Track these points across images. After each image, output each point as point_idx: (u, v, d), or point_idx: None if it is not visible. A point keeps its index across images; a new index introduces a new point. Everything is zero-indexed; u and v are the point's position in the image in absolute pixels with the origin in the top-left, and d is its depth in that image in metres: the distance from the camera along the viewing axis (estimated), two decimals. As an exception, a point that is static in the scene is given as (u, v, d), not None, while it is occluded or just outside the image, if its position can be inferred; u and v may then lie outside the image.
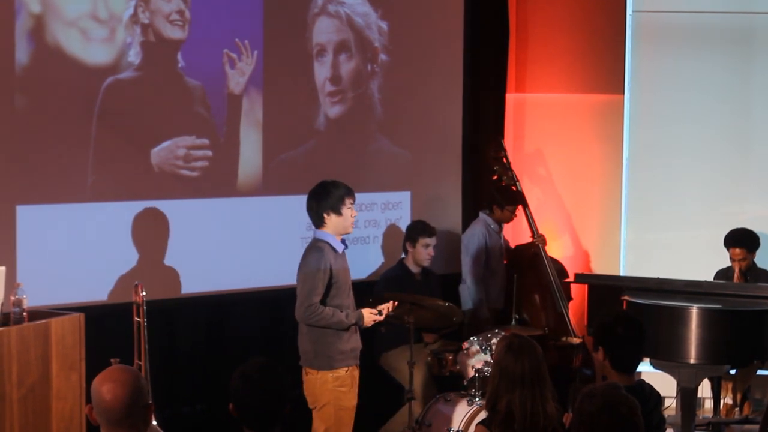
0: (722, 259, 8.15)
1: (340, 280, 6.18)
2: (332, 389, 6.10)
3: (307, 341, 6.18)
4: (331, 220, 6.17)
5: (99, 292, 6.66)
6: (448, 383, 7.37)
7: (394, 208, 8.22)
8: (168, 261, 6.97)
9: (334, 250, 6.17)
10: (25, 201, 6.38)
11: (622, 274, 8.87)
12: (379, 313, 6.31)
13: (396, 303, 6.44)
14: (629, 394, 3.89)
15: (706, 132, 8.94)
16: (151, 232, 6.91)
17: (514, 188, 8.47)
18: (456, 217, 8.64)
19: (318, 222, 6.21)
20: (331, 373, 6.11)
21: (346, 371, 6.17)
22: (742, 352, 6.99)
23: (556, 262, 8.62)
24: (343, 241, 6.26)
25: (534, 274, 8.50)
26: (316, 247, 6.17)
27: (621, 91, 8.99)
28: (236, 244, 7.30)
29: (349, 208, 6.21)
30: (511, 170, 8.51)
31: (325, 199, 6.17)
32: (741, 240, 8.07)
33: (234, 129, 7.29)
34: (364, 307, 6.35)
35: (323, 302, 6.13)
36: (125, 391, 3.56)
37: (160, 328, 6.78)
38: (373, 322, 6.32)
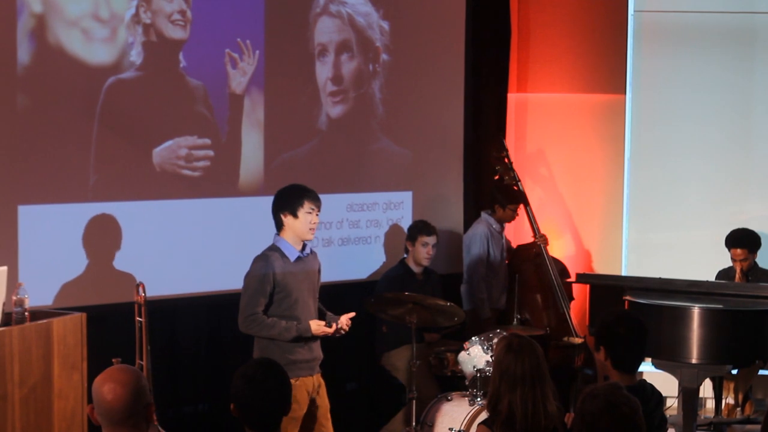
0: (724, 259, 8.16)
1: (289, 291, 6.02)
2: None
3: (256, 349, 6.07)
4: (287, 222, 6.02)
5: (101, 292, 6.66)
6: (450, 383, 7.37)
7: (396, 207, 8.21)
8: (169, 261, 6.97)
9: (285, 257, 6.03)
10: (27, 201, 6.38)
11: (623, 273, 8.87)
12: (329, 325, 6.08)
13: (353, 315, 6.21)
14: (631, 394, 3.89)
15: (707, 132, 8.95)
16: (152, 232, 6.91)
17: (515, 188, 8.47)
18: (458, 216, 8.64)
19: (277, 225, 6.08)
20: None
21: (296, 381, 5.85)
22: (743, 352, 6.99)
23: (557, 262, 8.63)
24: (304, 248, 6.10)
25: (536, 274, 8.50)
26: (263, 255, 6.04)
27: (623, 90, 9.00)
28: (238, 243, 7.29)
29: (309, 213, 6.01)
30: (513, 170, 8.52)
31: (283, 200, 6.04)
32: (742, 240, 8.08)
33: (235, 129, 7.29)
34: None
35: (271, 313, 6.00)
36: (126, 390, 3.57)
37: (162, 328, 6.79)
38: (323, 334, 6.08)
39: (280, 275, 5.99)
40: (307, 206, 6.02)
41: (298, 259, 6.07)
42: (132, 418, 3.58)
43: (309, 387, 6.07)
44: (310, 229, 6.06)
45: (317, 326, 6.04)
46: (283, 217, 6.04)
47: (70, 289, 6.50)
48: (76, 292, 6.50)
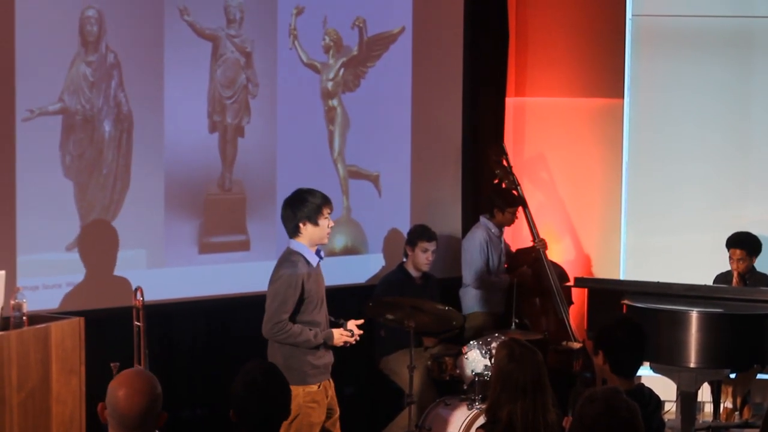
0: (722, 263, 8.15)
1: (312, 296, 5.97)
2: (302, 404, 5.86)
3: (278, 355, 5.94)
4: (307, 230, 5.94)
5: (99, 297, 6.65)
6: (448, 387, 7.36)
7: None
8: (167, 265, 6.96)
9: (308, 263, 5.97)
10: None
11: (622, 278, 8.86)
12: (352, 334, 6.08)
13: (362, 321, 6.22)
14: (629, 398, 3.89)
15: (705, 136, 8.94)
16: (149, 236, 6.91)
17: (515, 192, 8.47)
18: (456, 221, 8.64)
19: (293, 232, 5.98)
20: (302, 388, 5.85)
21: (318, 387, 5.95)
22: (742, 356, 6.98)
23: (556, 266, 8.62)
24: (318, 252, 6.04)
25: (535, 279, 8.50)
26: (289, 261, 5.94)
27: (621, 95, 8.99)
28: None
29: (326, 218, 5.97)
30: (513, 174, 8.52)
31: (301, 208, 5.94)
32: (742, 242, 8.08)
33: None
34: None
35: (293, 319, 5.93)
36: (142, 399, 3.56)
37: (160, 332, 6.78)
38: (343, 343, 6.08)
39: (306, 281, 5.93)
40: (325, 212, 5.97)
41: (317, 264, 6.04)
42: (143, 426, 3.59)
43: (328, 391, 6.06)
44: (328, 233, 6.04)
45: (339, 334, 6.03)
46: (302, 225, 5.94)
47: (68, 293, 6.50)
48: (75, 297, 6.50)
